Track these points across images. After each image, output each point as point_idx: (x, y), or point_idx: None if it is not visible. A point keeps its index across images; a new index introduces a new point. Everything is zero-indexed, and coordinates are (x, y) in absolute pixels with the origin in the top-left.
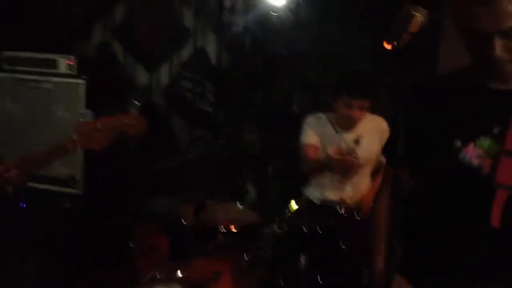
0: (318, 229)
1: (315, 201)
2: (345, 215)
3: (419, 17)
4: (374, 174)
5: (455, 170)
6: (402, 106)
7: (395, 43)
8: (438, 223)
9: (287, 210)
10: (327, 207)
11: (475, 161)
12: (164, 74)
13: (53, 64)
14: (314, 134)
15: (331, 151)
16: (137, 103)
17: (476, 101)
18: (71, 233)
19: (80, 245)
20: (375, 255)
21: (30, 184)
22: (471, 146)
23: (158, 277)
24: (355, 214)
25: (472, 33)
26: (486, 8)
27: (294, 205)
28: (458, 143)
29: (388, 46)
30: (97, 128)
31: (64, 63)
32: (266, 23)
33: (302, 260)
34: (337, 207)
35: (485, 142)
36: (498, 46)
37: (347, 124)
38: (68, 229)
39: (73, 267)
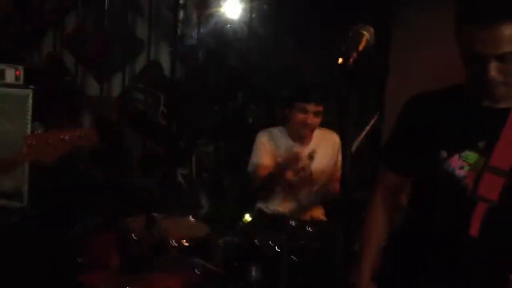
0: (270, 242)
1: (268, 213)
2: (297, 228)
3: (367, 36)
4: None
5: (439, 179)
6: (346, 119)
7: (345, 61)
8: (421, 230)
9: (240, 223)
10: (279, 220)
11: (459, 172)
12: (116, 86)
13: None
14: (266, 153)
15: (283, 158)
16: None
17: (466, 116)
18: (17, 248)
19: (27, 260)
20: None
21: None
22: (455, 157)
23: None
24: (307, 227)
25: (471, 56)
26: (486, 33)
27: (248, 218)
28: (444, 153)
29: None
30: (48, 141)
31: (12, 73)
32: (221, 36)
33: (254, 272)
34: (289, 221)
35: (471, 155)
36: (493, 69)
37: (302, 136)
38: (14, 243)
39: (21, 281)
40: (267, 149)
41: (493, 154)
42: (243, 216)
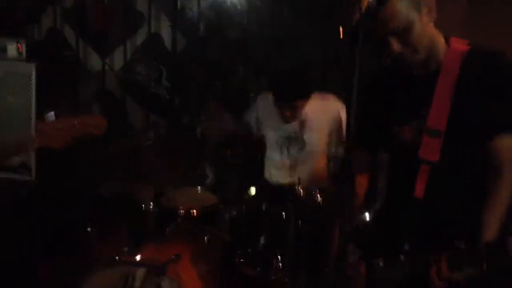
0: (276, 210)
1: (274, 184)
2: (301, 197)
3: None
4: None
5: (397, 151)
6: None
7: (348, 21)
8: (391, 199)
9: (246, 194)
10: (285, 189)
11: (411, 141)
12: (117, 59)
13: (1, 49)
14: (254, 115)
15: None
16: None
17: (406, 88)
18: (26, 220)
19: (37, 232)
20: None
21: None
22: (407, 129)
23: (117, 260)
24: (313, 195)
25: (376, 37)
26: (380, 15)
27: (253, 191)
28: (395, 128)
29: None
30: (58, 127)
31: (14, 48)
32: (221, 8)
33: (261, 240)
34: (295, 189)
35: (415, 122)
36: (394, 44)
37: (286, 119)
38: (23, 216)
39: (31, 254)
40: (252, 114)
41: (429, 117)
42: (248, 188)
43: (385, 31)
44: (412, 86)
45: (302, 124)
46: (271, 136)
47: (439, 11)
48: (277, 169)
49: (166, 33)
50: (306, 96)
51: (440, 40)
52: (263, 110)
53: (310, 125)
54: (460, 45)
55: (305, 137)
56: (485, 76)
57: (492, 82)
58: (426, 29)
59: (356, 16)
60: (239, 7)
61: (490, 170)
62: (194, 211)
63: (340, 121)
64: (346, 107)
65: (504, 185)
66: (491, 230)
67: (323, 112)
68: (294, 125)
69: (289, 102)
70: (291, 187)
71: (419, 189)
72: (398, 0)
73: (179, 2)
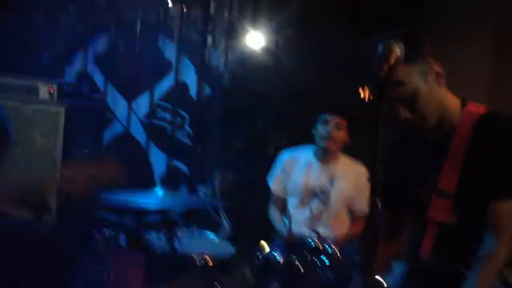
0: (293, 261)
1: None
2: (319, 248)
3: (397, 50)
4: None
5: (413, 211)
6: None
7: (376, 74)
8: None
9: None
10: (301, 239)
11: (425, 202)
12: (143, 104)
13: (34, 90)
14: (277, 178)
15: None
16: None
17: (422, 150)
18: (45, 259)
19: (55, 271)
20: None
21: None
22: (422, 191)
23: None
24: (328, 246)
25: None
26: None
27: (265, 245)
28: (413, 189)
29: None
30: (81, 175)
31: (45, 89)
32: (247, 62)
33: None
34: (312, 240)
35: (429, 184)
36: (402, 111)
37: (325, 150)
38: (42, 255)
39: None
40: (279, 174)
41: (440, 179)
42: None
43: (392, 98)
44: (427, 149)
45: (331, 178)
46: (297, 188)
47: (461, 74)
48: (298, 221)
49: (192, 81)
50: (348, 119)
51: (455, 104)
52: (289, 164)
53: (338, 181)
54: (476, 109)
55: (332, 192)
56: (490, 140)
57: (494, 146)
58: (434, 95)
59: (384, 72)
60: (265, 62)
61: (486, 234)
62: (210, 260)
63: (365, 184)
64: (371, 165)
65: (498, 250)
66: None
67: (352, 174)
68: (323, 179)
69: (338, 114)
70: (309, 239)
71: (425, 248)
72: (402, 68)
73: (206, 53)
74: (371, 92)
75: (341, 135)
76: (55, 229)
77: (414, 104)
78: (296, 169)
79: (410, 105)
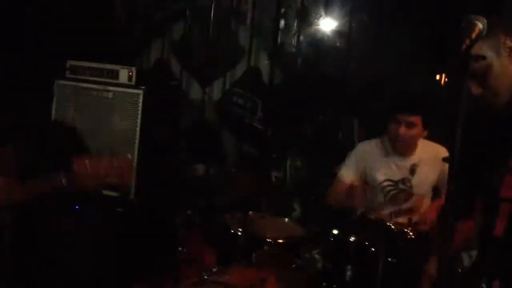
0: (366, 243)
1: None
2: (396, 231)
3: (479, 25)
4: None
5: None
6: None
7: (458, 48)
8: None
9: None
10: (377, 223)
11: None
12: (217, 90)
13: (114, 74)
14: (354, 170)
15: (379, 176)
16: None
17: (493, 130)
18: (122, 236)
19: (131, 249)
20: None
21: None
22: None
23: (206, 279)
24: (408, 231)
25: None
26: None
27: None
28: (486, 172)
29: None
30: (95, 169)
31: (125, 73)
32: (320, 45)
33: (348, 271)
34: (388, 223)
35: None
36: (474, 87)
37: (400, 148)
38: (119, 232)
39: (123, 270)
40: (352, 164)
41: None
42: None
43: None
44: (499, 128)
45: (412, 169)
46: (378, 179)
47: None
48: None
49: (264, 67)
50: (423, 114)
51: None
52: (367, 155)
53: (419, 169)
54: None
55: (413, 182)
56: None
57: None
58: (507, 70)
59: (466, 44)
60: (338, 46)
61: None
62: (281, 240)
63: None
64: (450, 144)
65: None
66: None
67: (434, 159)
68: (403, 170)
69: (408, 114)
70: (384, 222)
71: (499, 228)
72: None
73: (279, 38)
74: (452, 68)
75: (414, 133)
76: (136, 208)
77: (487, 79)
78: (371, 162)
79: (483, 80)
